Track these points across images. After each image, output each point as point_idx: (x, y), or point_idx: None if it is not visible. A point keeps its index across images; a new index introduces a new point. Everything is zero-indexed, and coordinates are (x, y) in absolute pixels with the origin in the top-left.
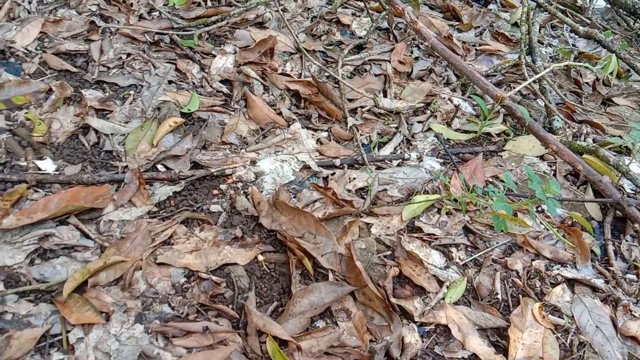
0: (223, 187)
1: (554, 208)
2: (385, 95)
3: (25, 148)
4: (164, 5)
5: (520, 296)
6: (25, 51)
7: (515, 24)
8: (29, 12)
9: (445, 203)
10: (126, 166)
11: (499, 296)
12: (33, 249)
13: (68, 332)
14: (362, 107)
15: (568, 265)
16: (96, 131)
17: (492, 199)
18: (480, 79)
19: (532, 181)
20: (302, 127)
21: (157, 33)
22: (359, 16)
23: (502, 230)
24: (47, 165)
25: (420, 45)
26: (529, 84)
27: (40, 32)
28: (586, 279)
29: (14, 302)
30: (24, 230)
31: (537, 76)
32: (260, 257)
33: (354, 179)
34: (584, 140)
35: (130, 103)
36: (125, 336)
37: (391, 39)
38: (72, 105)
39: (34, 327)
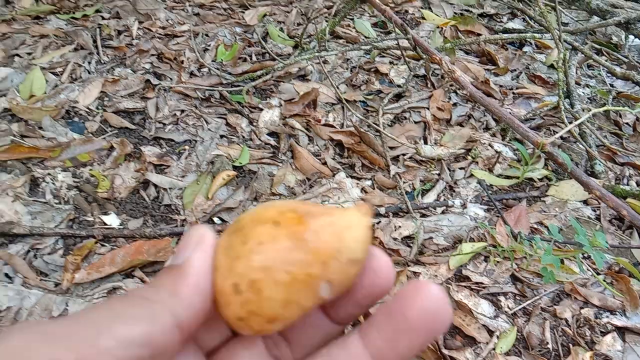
0: None
1: (601, 261)
2: (425, 142)
3: (91, 204)
4: (212, 61)
5: (571, 345)
6: (88, 110)
7: (552, 66)
8: (89, 72)
9: (492, 252)
10: (184, 219)
11: (550, 345)
12: None
13: None
14: (403, 154)
15: (617, 312)
16: (155, 186)
17: (538, 249)
18: (520, 125)
19: (579, 234)
20: (347, 177)
21: (207, 89)
22: (396, 64)
23: (558, 281)
24: (112, 220)
25: (458, 92)
26: (569, 129)
27: (101, 92)
28: (637, 327)
29: None
30: (94, 284)
31: (577, 122)
32: None
33: (399, 227)
34: (627, 184)
35: (186, 158)
36: None
37: (429, 85)
38: (133, 162)
39: None
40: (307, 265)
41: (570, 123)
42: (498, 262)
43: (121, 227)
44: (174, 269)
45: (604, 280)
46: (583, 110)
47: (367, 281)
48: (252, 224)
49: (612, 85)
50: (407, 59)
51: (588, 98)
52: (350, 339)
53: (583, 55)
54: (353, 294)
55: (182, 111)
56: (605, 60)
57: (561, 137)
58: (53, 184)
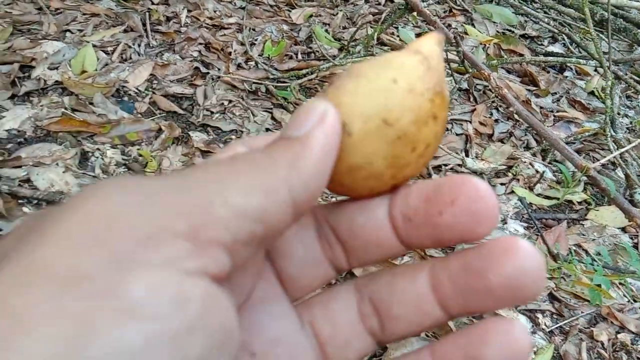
0: None
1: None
2: (467, 155)
3: None
4: (259, 55)
5: None
6: (137, 91)
7: (592, 93)
8: (138, 54)
9: None
10: None
11: None
12: None
13: None
14: (445, 165)
15: None
16: None
17: (578, 269)
18: (564, 147)
19: (633, 259)
20: None
21: (254, 82)
22: None
23: (597, 303)
24: None
25: (499, 108)
26: (614, 156)
27: (150, 74)
28: None
29: None
30: None
31: (624, 149)
32: None
33: None
34: None
35: None
36: None
37: (471, 99)
38: (180, 145)
39: None
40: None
41: (611, 151)
42: None
43: None
44: (294, 142)
45: None
46: (624, 139)
47: (458, 209)
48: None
49: None
50: (450, 71)
51: (627, 128)
52: (420, 274)
53: (624, 85)
54: (438, 217)
55: (230, 101)
56: None
57: (600, 165)
58: (102, 159)
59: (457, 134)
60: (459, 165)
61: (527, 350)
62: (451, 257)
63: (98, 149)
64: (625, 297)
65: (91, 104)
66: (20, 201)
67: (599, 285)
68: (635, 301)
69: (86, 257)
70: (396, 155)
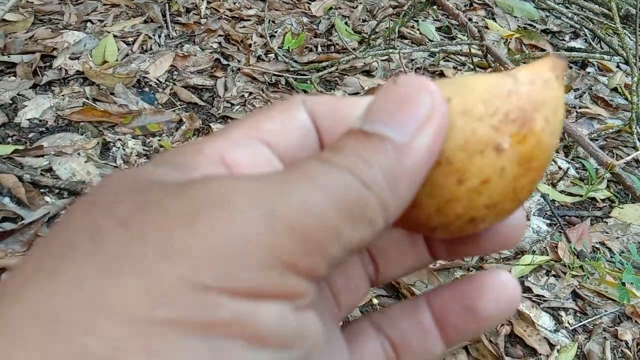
0: None
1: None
2: None
3: None
4: (278, 48)
5: None
6: (158, 82)
7: (615, 89)
8: (159, 45)
9: (555, 266)
10: None
11: None
12: None
13: None
14: None
15: None
16: None
17: (604, 266)
18: (589, 144)
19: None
20: None
21: (274, 75)
22: (460, 70)
23: (625, 301)
24: None
25: None
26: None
27: (171, 66)
28: None
29: None
30: None
31: None
32: (375, 301)
33: None
34: None
35: None
36: None
37: None
38: (201, 137)
39: None
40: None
41: (637, 148)
42: (559, 277)
43: None
44: (389, 149)
45: None
46: None
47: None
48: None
49: None
50: (472, 65)
51: None
52: (422, 307)
53: None
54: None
55: (250, 93)
56: None
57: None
58: (123, 149)
59: None
60: None
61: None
62: (450, 286)
63: (119, 139)
64: None
65: (112, 94)
66: (42, 190)
67: (624, 284)
68: None
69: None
70: (436, 184)
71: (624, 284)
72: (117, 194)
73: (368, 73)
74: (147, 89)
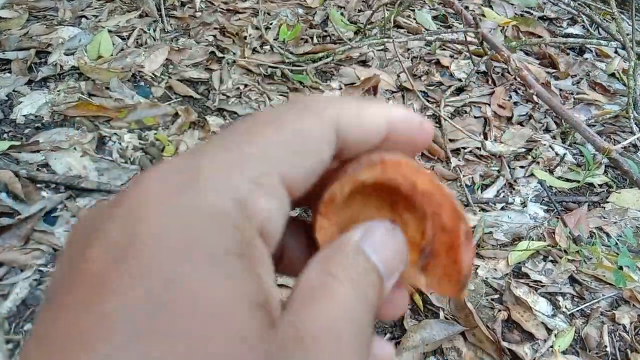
0: None
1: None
2: (485, 138)
3: None
4: (274, 39)
5: (629, 351)
6: (153, 76)
7: (613, 75)
8: (154, 39)
9: (552, 251)
10: None
11: (608, 349)
12: None
13: None
14: (464, 148)
15: None
16: None
17: (600, 251)
18: (586, 129)
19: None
20: None
21: (270, 66)
22: (457, 58)
23: (620, 286)
24: None
25: (518, 91)
26: (637, 137)
27: (166, 59)
28: None
29: None
30: None
31: None
32: None
33: None
34: None
35: None
36: None
37: (489, 82)
38: (197, 130)
39: None
40: None
41: (633, 132)
42: (556, 262)
43: None
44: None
45: None
46: None
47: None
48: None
49: None
50: (469, 54)
51: None
52: None
53: None
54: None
55: (246, 85)
56: None
57: (621, 147)
58: (119, 143)
59: (475, 117)
60: (477, 148)
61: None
62: None
63: (115, 133)
64: None
65: (107, 88)
66: (38, 185)
67: (621, 268)
68: None
69: None
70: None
71: (621, 267)
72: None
73: (364, 63)
74: (142, 83)
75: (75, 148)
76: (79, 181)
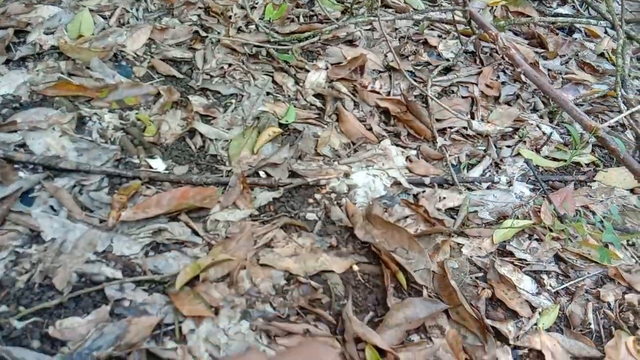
0: (317, 196)
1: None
2: (472, 118)
3: (137, 146)
4: (259, 19)
5: (613, 328)
6: (135, 55)
7: (602, 55)
8: (137, 19)
9: (538, 230)
10: (230, 170)
11: (592, 326)
12: (148, 242)
13: (180, 322)
14: (450, 127)
15: None
16: (201, 135)
17: (595, 228)
18: (573, 108)
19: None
20: (392, 144)
21: (255, 46)
22: (445, 38)
23: (604, 264)
24: (158, 164)
25: (506, 71)
26: (624, 116)
27: (149, 39)
28: None
29: (132, 291)
30: (139, 224)
31: (635, 109)
32: (355, 267)
33: (444, 198)
34: None
35: (232, 111)
36: (233, 331)
37: (477, 62)
38: (179, 109)
39: (149, 316)
40: None
41: (621, 111)
42: (541, 240)
43: (167, 171)
44: None
45: None
46: (636, 100)
47: None
48: None
49: None
50: (457, 33)
51: (637, 90)
52: None
53: (635, 46)
54: None
55: (230, 65)
56: None
57: (609, 126)
58: (99, 123)
59: (462, 97)
60: (464, 127)
61: None
62: None
63: (95, 113)
64: (633, 258)
65: (88, 68)
66: (15, 166)
67: (607, 246)
68: None
69: None
70: None
71: (606, 245)
72: None
73: (351, 43)
74: (124, 63)
75: (54, 128)
76: (57, 161)
